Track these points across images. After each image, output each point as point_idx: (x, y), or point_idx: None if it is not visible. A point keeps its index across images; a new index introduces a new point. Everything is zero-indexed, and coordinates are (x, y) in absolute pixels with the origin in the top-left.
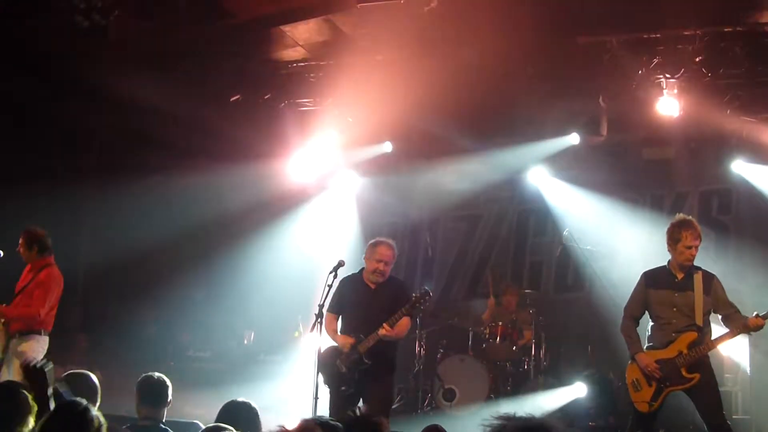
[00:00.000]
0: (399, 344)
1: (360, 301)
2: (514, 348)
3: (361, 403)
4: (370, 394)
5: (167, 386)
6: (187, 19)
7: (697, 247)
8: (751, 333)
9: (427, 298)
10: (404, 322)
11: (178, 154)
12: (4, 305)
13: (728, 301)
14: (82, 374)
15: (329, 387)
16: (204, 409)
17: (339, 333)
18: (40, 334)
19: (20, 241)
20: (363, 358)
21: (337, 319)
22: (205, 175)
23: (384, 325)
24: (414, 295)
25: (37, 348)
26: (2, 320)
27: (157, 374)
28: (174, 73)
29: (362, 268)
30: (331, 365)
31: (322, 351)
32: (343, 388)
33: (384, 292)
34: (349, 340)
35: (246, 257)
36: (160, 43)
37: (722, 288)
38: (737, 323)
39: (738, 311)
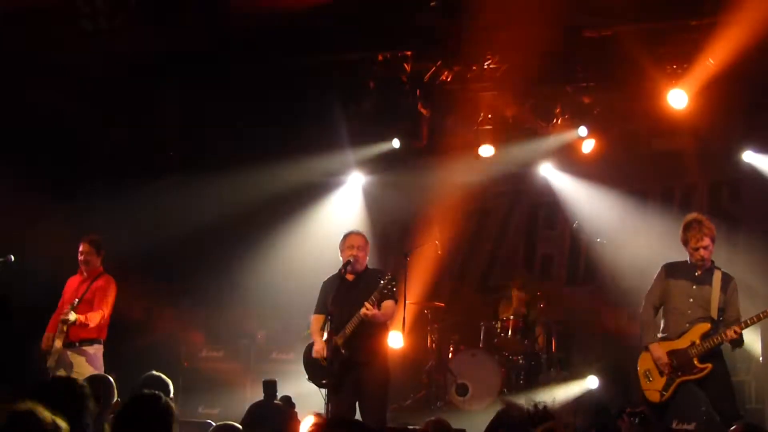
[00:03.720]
0: (382, 334)
1: (340, 296)
2: (525, 342)
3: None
4: (361, 389)
5: (167, 385)
6: (193, 20)
7: (706, 248)
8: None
9: (393, 283)
10: (386, 306)
11: (190, 154)
12: (76, 314)
13: (737, 307)
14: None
15: (314, 383)
16: (218, 409)
17: (325, 332)
18: (100, 343)
19: (85, 248)
20: (340, 348)
21: (324, 320)
22: (216, 176)
23: (366, 303)
24: (381, 281)
25: (100, 357)
26: (64, 327)
27: (156, 373)
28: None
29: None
30: (313, 361)
31: (306, 348)
32: (324, 381)
33: (362, 282)
34: (321, 346)
35: (257, 256)
36: (167, 44)
37: (737, 292)
38: (720, 335)
39: (738, 319)
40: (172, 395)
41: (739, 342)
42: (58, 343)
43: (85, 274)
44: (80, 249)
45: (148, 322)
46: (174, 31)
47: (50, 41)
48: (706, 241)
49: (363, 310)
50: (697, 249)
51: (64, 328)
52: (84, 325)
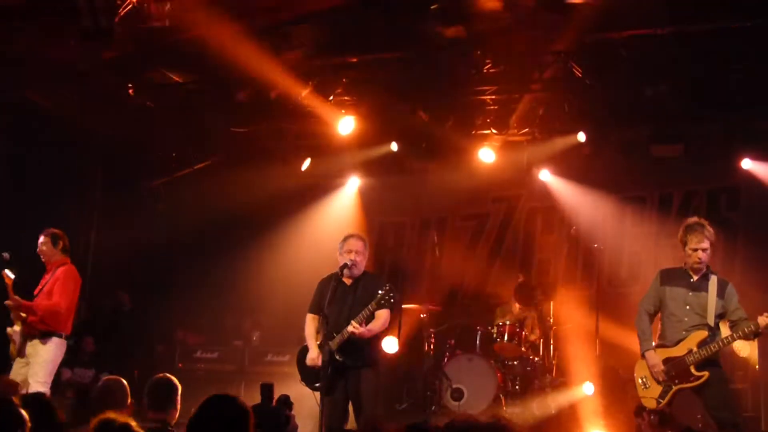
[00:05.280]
0: (376, 340)
1: (337, 299)
2: (522, 347)
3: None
4: (353, 392)
5: (175, 388)
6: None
7: (705, 250)
8: (762, 334)
9: (391, 294)
10: (381, 316)
11: (184, 155)
12: (25, 301)
13: (739, 308)
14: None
15: (307, 385)
16: None
17: (318, 332)
18: (60, 337)
19: (43, 239)
20: (335, 354)
21: (319, 321)
22: (212, 176)
23: (352, 322)
24: (379, 292)
25: (57, 353)
26: (23, 317)
27: (166, 376)
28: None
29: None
30: (307, 364)
31: (300, 350)
32: (317, 384)
33: (360, 287)
34: (316, 354)
35: (253, 258)
36: (166, 43)
37: (735, 295)
38: (746, 327)
39: (747, 318)
40: (179, 397)
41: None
42: (17, 327)
43: (47, 266)
44: (39, 241)
45: (144, 322)
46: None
47: (51, 36)
48: (706, 244)
49: (350, 329)
50: (695, 250)
51: (21, 314)
52: (33, 312)
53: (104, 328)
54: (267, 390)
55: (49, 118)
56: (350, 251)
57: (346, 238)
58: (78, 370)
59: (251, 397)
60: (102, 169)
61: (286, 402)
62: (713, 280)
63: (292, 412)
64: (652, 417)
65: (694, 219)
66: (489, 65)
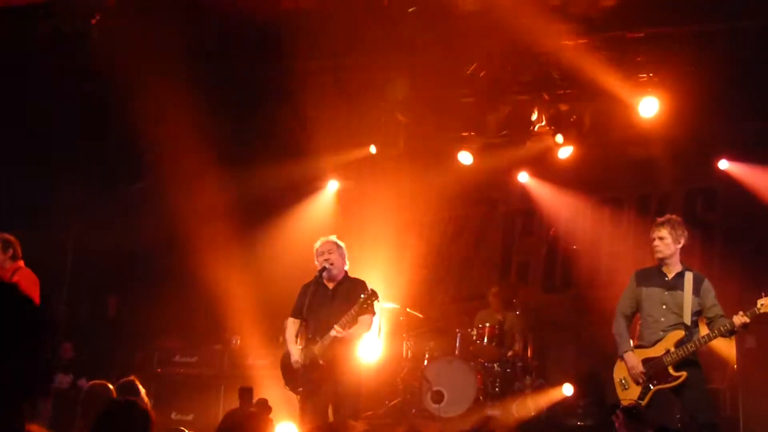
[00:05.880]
0: (357, 344)
1: (318, 303)
2: (501, 349)
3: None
4: (335, 396)
5: (139, 392)
6: (176, 20)
7: (661, 239)
8: (737, 332)
9: (373, 298)
10: (365, 321)
11: (166, 158)
12: None
13: (716, 304)
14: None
15: (290, 389)
16: (191, 415)
17: (298, 337)
18: None
19: None
20: (317, 358)
21: (300, 324)
22: (193, 180)
23: (335, 326)
24: (361, 296)
25: None
26: None
27: (128, 380)
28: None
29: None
30: (290, 368)
31: (284, 355)
32: (300, 389)
33: (341, 291)
34: (298, 356)
35: (232, 261)
36: (147, 43)
37: (712, 291)
38: (722, 326)
39: (723, 315)
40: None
41: (733, 331)
42: None
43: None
44: None
45: (122, 326)
46: (151, 33)
47: (27, 40)
48: (663, 233)
49: (333, 333)
50: (653, 239)
51: None
52: None
53: (83, 334)
54: (246, 394)
55: (39, 115)
56: (323, 253)
57: (318, 244)
58: (56, 376)
59: (230, 401)
60: (88, 172)
61: (264, 405)
62: (688, 277)
63: (271, 416)
64: (625, 415)
65: (665, 216)
66: (468, 68)
